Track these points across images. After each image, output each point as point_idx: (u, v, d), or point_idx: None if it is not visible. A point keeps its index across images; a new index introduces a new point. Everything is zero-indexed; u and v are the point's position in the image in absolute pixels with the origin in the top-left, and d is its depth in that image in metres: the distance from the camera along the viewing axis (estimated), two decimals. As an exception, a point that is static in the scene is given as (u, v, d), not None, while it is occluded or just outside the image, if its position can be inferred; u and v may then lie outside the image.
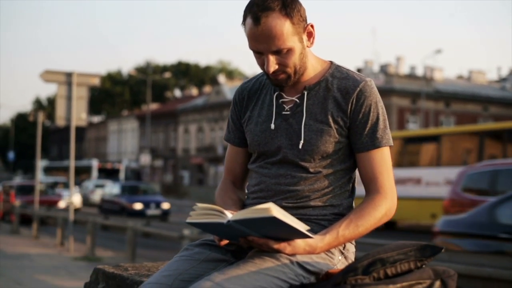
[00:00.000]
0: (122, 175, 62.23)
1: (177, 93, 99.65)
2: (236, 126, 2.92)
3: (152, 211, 30.69)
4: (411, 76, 58.11)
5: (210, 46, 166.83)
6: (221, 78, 78.74)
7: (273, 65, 2.60)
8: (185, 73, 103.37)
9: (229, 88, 69.60)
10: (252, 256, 2.49)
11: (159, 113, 79.66)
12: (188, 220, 2.47)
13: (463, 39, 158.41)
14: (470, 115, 57.76)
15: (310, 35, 2.68)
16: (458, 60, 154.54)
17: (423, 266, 2.41)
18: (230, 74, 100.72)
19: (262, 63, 2.64)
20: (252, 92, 2.88)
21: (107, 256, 16.39)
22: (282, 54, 2.59)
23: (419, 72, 61.91)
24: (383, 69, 58.73)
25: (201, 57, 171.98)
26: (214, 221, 2.39)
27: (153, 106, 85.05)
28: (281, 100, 2.75)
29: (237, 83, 74.70)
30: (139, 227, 14.86)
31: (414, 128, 54.61)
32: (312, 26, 2.67)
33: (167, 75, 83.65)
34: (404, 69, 62.03)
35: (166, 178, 76.69)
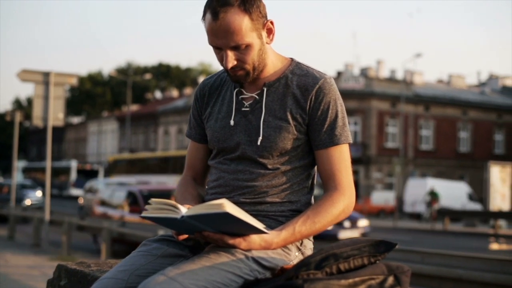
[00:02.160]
0: (101, 176, 62.08)
1: (158, 94, 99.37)
2: (197, 122, 2.92)
3: None
4: (391, 80, 58.32)
5: (191, 48, 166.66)
6: (202, 80, 78.63)
7: (231, 61, 2.60)
8: (166, 74, 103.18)
9: (209, 90, 69.28)
10: (208, 251, 2.49)
11: (139, 115, 79.44)
12: (143, 214, 2.47)
13: (443, 43, 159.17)
14: (450, 119, 58.10)
15: (270, 31, 2.68)
16: (438, 64, 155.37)
17: (377, 261, 2.42)
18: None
19: (221, 58, 2.64)
20: (213, 88, 2.88)
21: (81, 256, 16.31)
22: (240, 50, 2.60)
23: (399, 75, 62.27)
24: (364, 72, 58.88)
25: (182, 58, 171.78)
26: (168, 216, 2.40)
27: (134, 107, 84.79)
28: (241, 97, 2.76)
29: (218, 85, 74.38)
30: (115, 228, 14.82)
31: (393, 131, 54.79)
32: (272, 22, 2.67)
33: (148, 76, 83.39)
34: (384, 73, 62.26)
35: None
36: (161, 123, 75.70)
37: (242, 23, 2.55)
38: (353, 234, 17.45)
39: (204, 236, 2.46)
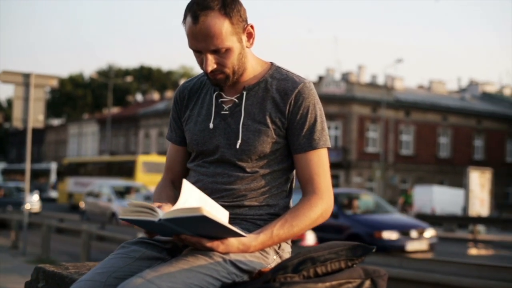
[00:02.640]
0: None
1: (139, 97, 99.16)
2: (177, 124, 2.93)
3: None
4: (372, 85, 58.51)
5: (172, 51, 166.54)
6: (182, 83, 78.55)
7: (211, 64, 2.61)
8: (147, 77, 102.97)
9: (190, 93, 69.26)
10: (185, 254, 2.49)
11: (120, 117, 79.20)
12: (121, 216, 2.47)
13: (424, 49, 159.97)
14: (430, 125, 58.36)
15: (250, 35, 2.69)
16: (418, 70, 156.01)
17: (354, 265, 2.43)
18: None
19: (201, 62, 2.65)
20: (193, 91, 2.89)
21: (61, 259, 16.24)
22: (220, 53, 2.61)
23: (380, 81, 62.46)
24: (345, 77, 59.03)
25: (164, 61, 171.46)
26: (145, 219, 2.40)
27: (114, 110, 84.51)
28: (220, 100, 2.77)
29: (199, 89, 74.34)
30: (94, 230, 14.78)
31: (374, 136, 54.94)
32: (252, 26, 2.68)
33: (129, 79, 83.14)
34: (365, 78, 62.48)
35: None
36: (142, 126, 75.50)
37: (222, 27, 2.56)
38: (421, 245, 15.87)
39: (182, 239, 2.46)
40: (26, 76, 16.98)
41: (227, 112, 2.74)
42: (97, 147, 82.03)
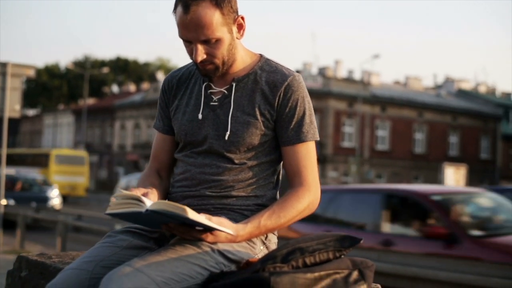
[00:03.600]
0: None
1: (115, 88, 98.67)
2: (165, 114, 2.93)
3: None
4: (349, 80, 58.64)
5: (149, 43, 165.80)
6: (160, 75, 78.28)
7: (201, 54, 2.61)
8: (124, 69, 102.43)
9: (167, 86, 69.10)
10: (174, 243, 2.50)
11: (96, 108, 78.82)
12: (108, 211, 2.47)
13: (401, 45, 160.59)
14: (406, 120, 58.63)
15: (241, 27, 2.70)
16: (395, 66, 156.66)
17: (342, 256, 2.45)
18: (169, 71, 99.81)
19: (191, 52, 2.65)
20: (182, 81, 2.89)
21: (36, 250, 16.16)
22: (210, 44, 2.61)
23: (357, 76, 62.66)
24: (322, 72, 59.12)
25: (140, 53, 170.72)
26: (132, 211, 2.40)
27: (90, 101, 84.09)
28: (209, 91, 2.77)
29: (176, 81, 74.14)
30: (70, 221, 14.73)
31: (350, 131, 55.10)
32: (242, 18, 2.69)
33: (105, 70, 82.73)
34: (342, 73, 62.56)
35: (101, 174, 75.98)
36: (117, 117, 75.23)
37: (213, 17, 2.56)
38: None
39: (171, 228, 2.47)
40: (3, 65, 16.83)
41: (216, 103, 2.74)
42: (72, 138, 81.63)
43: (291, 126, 2.70)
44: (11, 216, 18.04)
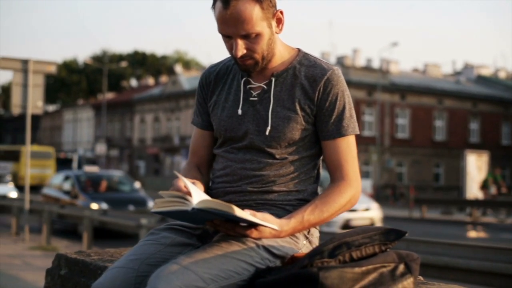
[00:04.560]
0: (75, 165, 61.87)
1: (133, 82, 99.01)
2: (203, 109, 2.93)
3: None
4: (367, 69, 58.39)
5: (166, 36, 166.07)
6: (178, 68, 78.35)
7: (241, 49, 2.61)
8: (142, 62, 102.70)
9: (185, 78, 69.32)
10: (218, 240, 2.50)
11: (115, 103, 79.06)
12: (154, 209, 2.47)
13: (419, 32, 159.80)
14: (425, 108, 58.36)
15: (279, 21, 2.69)
16: (413, 53, 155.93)
17: (387, 250, 2.45)
18: (187, 64, 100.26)
19: (231, 47, 2.65)
20: (219, 76, 2.89)
21: (62, 245, 16.26)
22: (250, 39, 2.61)
23: (375, 64, 62.31)
24: (340, 61, 58.93)
25: (158, 46, 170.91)
26: (178, 209, 2.40)
27: (109, 95, 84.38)
28: (248, 86, 2.77)
29: (194, 73, 74.43)
30: (96, 216, 14.77)
31: (369, 120, 54.90)
32: (281, 12, 2.68)
33: (123, 64, 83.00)
34: (361, 61, 62.35)
35: (122, 168, 76.22)
36: (137, 111, 75.42)
37: (253, 12, 2.55)
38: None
39: (216, 225, 2.48)
40: (25, 62, 16.96)
41: (255, 99, 2.74)
42: (93, 133, 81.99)
43: (331, 121, 2.69)
44: (36, 211, 18.13)
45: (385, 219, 27.83)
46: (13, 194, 26.67)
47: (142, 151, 73.79)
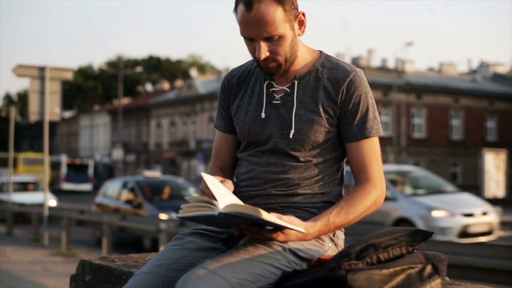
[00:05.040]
0: (91, 170, 62.16)
1: (149, 87, 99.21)
2: (226, 113, 2.92)
3: None
4: (383, 69, 58.33)
5: (181, 40, 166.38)
6: (193, 72, 78.52)
7: (264, 52, 2.61)
8: (157, 67, 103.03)
9: (201, 82, 69.47)
10: (244, 244, 2.50)
11: (131, 108, 79.34)
12: (180, 214, 2.46)
13: (434, 31, 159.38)
14: (442, 107, 58.19)
15: (301, 23, 2.69)
16: (428, 53, 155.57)
17: (414, 251, 2.44)
18: (202, 68, 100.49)
19: (253, 50, 2.65)
20: (242, 80, 2.88)
21: (82, 251, 16.32)
22: (273, 41, 2.61)
23: (391, 64, 62.22)
24: (355, 61, 58.85)
25: (172, 51, 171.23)
26: (205, 214, 2.40)
27: (125, 100, 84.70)
28: (271, 89, 2.77)
29: (209, 77, 74.54)
30: (115, 222, 14.80)
31: (386, 120, 54.74)
32: (303, 14, 2.68)
33: (139, 69, 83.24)
34: (376, 62, 62.25)
35: (139, 172, 76.51)
36: (153, 115, 75.63)
37: (276, 13, 2.55)
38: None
39: (242, 229, 2.47)
40: (42, 69, 17.07)
41: (278, 102, 2.74)
42: (109, 138, 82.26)
43: (355, 122, 2.69)
44: (56, 218, 18.20)
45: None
46: (52, 202, 24.89)
47: (158, 155, 73.98)
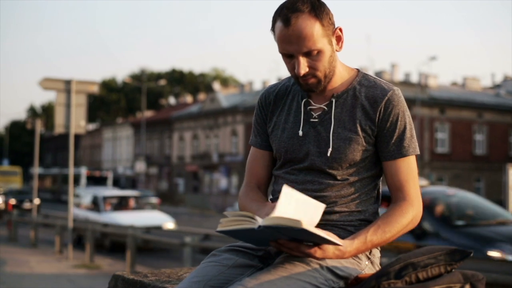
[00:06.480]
0: (110, 183, 62.36)
1: (172, 100, 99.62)
2: (262, 129, 2.92)
3: None
4: (406, 83, 58.11)
5: (204, 53, 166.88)
6: (216, 86, 78.75)
7: (304, 67, 2.62)
8: (180, 80, 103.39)
9: (223, 96, 69.62)
10: (282, 261, 2.51)
11: (154, 121, 79.60)
12: (219, 228, 2.46)
13: (458, 46, 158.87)
14: (465, 122, 57.87)
15: (339, 39, 2.71)
16: (452, 67, 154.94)
17: (453, 270, 2.44)
18: (225, 82, 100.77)
19: (292, 67, 2.66)
20: (279, 97, 2.89)
21: (105, 263, 16.37)
22: (312, 56, 2.61)
23: (414, 79, 61.94)
24: (378, 76, 58.62)
25: (195, 64, 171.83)
26: (245, 227, 2.40)
27: (148, 113, 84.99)
28: (309, 107, 2.77)
29: (232, 91, 74.71)
30: (139, 235, 14.84)
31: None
32: (340, 29, 2.70)
33: (162, 82, 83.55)
34: (399, 76, 62.07)
35: (161, 185, 76.62)
36: (175, 129, 75.82)
37: (314, 28, 2.57)
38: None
39: (280, 244, 2.47)
40: (68, 82, 17.18)
41: (316, 120, 2.74)
42: (132, 151, 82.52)
43: (392, 141, 2.69)
44: (79, 229, 18.28)
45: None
46: (170, 225, 20.81)
47: (181, 168, 74.09)
